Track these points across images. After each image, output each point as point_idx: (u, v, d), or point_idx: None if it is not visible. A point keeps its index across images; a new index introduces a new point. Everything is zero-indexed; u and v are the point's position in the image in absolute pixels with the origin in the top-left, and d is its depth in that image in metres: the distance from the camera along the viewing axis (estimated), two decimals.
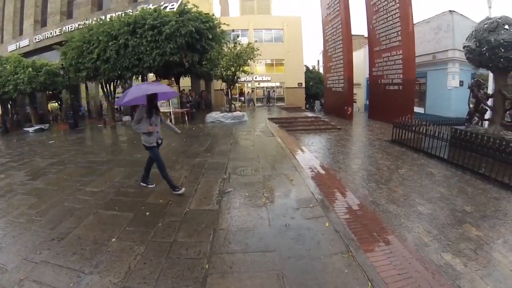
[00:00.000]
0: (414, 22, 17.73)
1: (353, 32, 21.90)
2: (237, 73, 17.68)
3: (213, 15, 19.21)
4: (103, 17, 20.28)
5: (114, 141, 12.40)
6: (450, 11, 19.85)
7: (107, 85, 19.02)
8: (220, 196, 5.58)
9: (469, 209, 6.09)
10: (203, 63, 17.75)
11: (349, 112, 20.56)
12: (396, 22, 17.82)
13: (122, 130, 16.01)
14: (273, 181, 6.19)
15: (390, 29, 18.59)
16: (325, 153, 10.28)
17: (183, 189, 5.69)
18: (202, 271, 3.32)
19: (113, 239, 4.06)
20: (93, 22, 18.07)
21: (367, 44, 22.34)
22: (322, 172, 7.73)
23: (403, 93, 17.63)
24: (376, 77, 20.48)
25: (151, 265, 3.46)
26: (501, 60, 9.49)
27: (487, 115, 11.58)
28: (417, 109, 19.80)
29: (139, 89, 5.11)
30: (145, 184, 6.11)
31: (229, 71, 17.04)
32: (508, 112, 10.86)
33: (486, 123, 11.62)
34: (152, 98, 5.21)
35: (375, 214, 5.50)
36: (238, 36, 20.42)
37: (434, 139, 10.25)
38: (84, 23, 21.76)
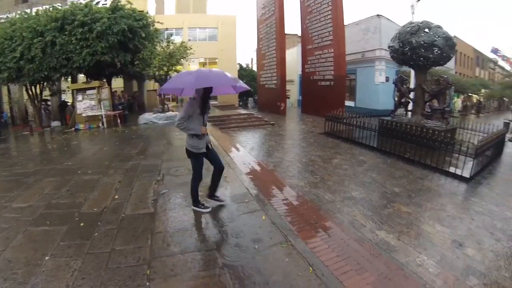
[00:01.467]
0: (345, 24, 19.02)
1: (286, 31, 22.69)
2: (169, 72, 17.15)
3: (147, 12, 18.56)
4: (28, 11, 17.56)
5: (42, 149, 10.92)
6: (377, 15, 21.91)
7: (32, 87, 17.27)
8: (155, 199, 5.45)
9: (398, 190, 6.49)
10: (136, 63, 16.71)
11: (282, 108, 21.17)
12: (328, 23, 18.85)
13: (51, 136, 14.19)
14: (207, 179, 5.93)
15: (322, 29, 19.63)
16: (259, 149, 10.22)
17: (208, 209, 4.76)
18: (144, 277, 3.21)
19: (47, 257, 3.66)
20: (17, 16, 16.19)
21: (300, 43, 23.44)
22: (257, 167, 7.70)
23: (335, 88, 18.74)
24: (308, 73, 21.56)
25: (90, 279, 3.21)
26: (421, 59, 10.79)
27: (410, 106, 12.82)
28: (348, 103, 21.40)
29: (198, 76, 3.66)
30: (218, 198, 5.07)
31: (161, 71, 16.93)
32: (427, 103, 12.13)
33: (409, 114, 12.89)
34: (209, 90, 4.00)
35: (312, 204, 5.53)
36: (171, 35, 19.63)
37: (364, 130, 10.89)
38: (7, 16, 18.83)
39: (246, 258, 3.55)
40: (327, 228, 4.47)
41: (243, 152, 9.33)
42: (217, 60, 33.13)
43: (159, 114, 17.34)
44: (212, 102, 31.92)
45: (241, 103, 33.91)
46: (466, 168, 7.63)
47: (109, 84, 18.56)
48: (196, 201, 4.71)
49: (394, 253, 4.04)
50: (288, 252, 3.67)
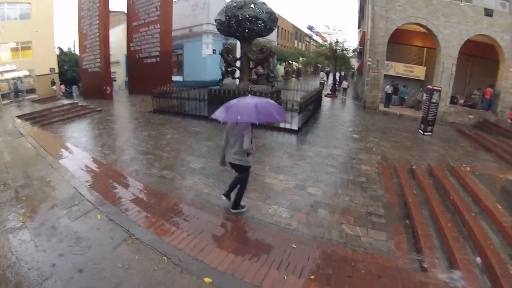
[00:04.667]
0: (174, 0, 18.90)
1: (113, 8, 20.85)
2: None
3: None
4: None
5: None
6: None
7: None
8: None
9: None
10: None
11: (108, 92, 19.07)
12: None
13: None
14: (28, 190, 4.48)
15: (149, 5, 18.82)
16: (87, 140, 8.56)
17: (245, 208, 4.42)
18: None
19: None
20: None
21: (126, 20, 21.69)
22: (86, 161, 6.35)
23: (161, 65, 18.60)
24: (134, 52, 20.51)
25: None
26: (246, 31, 11.77)
27: (237, 74, 13.69)
28: (176, 78, 21.49)
29: (255, 109, 3.70)
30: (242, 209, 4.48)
31: None
32: (253, 70, 13.18)
33: (237, 81, 13.78)
34: None
35: (152, 187, 4.99)
36: None
37: (193, 101, 10.85)
38: None
39: (94, 272, 2.84)
40: (173, 208, 4.12)
41: (69, 147, 7.58)
42: (31, 45, 25.37)
43: None
44: (31, 96, 24.76)
45: (62, 92, 27.72)
46: (294, 122, 8.87)
47: None
48: (236, 204, 4.40)
49: (248, 212, 4.14)
50: (136, 248, 3.15)
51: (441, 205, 4.60)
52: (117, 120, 11.50)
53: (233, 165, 4.26)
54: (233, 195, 4.31)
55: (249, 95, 4.88)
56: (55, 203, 4.35)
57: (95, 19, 20.03)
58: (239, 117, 3.76)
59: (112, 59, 20.85)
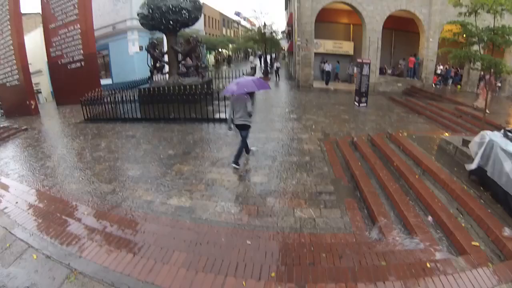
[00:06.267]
0: None
1: (26, 10, 17.83)
2: None
3: None
4: None
5: None
6: None
7: None
8: None
9: (173, 152, 6.37)
10: None
11: (33, 106, 16.77)
12: None
13: None
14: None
15: (66, 2, 16.54)
16: (14, 166, 7.14)
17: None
18: None
19: None
20: None
21: (42, 22, 18.85)
22: (15, 191, 5.21)
23: (87, 69, 16.77)
24: (55, 58, 17.93)
25: None
26: (171, 22, 11.22)
27: (166, 69, 13.11)
28: (105, 81, 20.04)
29: (250, 83, 5.61)
30: (238, 166, 5.53)
31: None
32: (182, 63, 12.73)
33: (167, 76, 13.16)
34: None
35: (91, 206, 4.34)
36: None
37: (125, 104, 10.06)
38: None
39: None
40: (115, 226, 3.61)
41: None
42: None
43: None
44: None
45: None
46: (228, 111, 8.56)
47: None
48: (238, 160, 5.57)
49: (194, 213, 3.83)
50: (81, 284, 2.64)
51: (386, 172, 4.74)
52: (47, 137, 10.12)
53: (240, 126, 5.66)
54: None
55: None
56: None
57: (6, 24, 17.38)
58: (245, 89, 5.46)
59: (32, 68, 18.34)
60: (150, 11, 11.16)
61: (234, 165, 5.44)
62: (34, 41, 22.56)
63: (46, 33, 18.73)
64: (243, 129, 5.67)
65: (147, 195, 4.49)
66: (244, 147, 5.75)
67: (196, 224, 3.58)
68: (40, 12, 20.45)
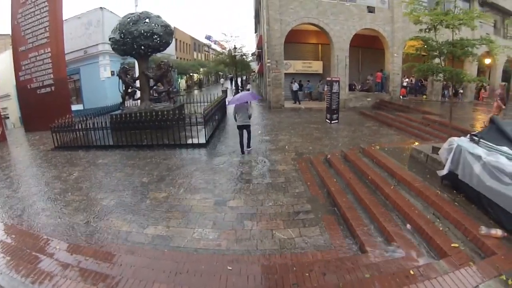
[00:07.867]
0: (65, 18, 16.56)
1: None
2: None
3: None
4: None
5: None
6: (100, 7, 21.01)
7: None
8: None
9: (147, 180, 6.21)
10: None
11: (0, 133, 15.89)
12: (44, 17, 15.46)
13: None
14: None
15: (37, 25, 16.15)
16: None
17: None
18: None
19: None
20: None
21: (12, 45, 18.11)
22: None
23: (57, 94, 16.23)
24: (24, 82, 17.16)
25: None
26: (142, 47, 11.18)
27: (138, 95, 12.99)
28: (76, 107, 19.51)
29: (248, 95, 8.21)
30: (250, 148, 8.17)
31: None
32: (153, 88, 12.88)
33: (138, 102, 13.00)
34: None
35: (64, 241, 4.06)
36: None
37: (96, 131, 9.77)
38: None
39: None
40: (91, 260, 3.37)
41: None
42: None
43: None
44: None
45: None
46: (201, 136, 8.57)
47: None
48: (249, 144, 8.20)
49: (172, 242, 3.72)
50: None
51: (362, 186, 4.84)
52: (14, 166, 9.53)
53: (243, 126, 7.77)
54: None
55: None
56: None
57: None
58: (245, 99, 7.75)
59: None
60: (122, 36, 11.12)
61: (248, 148, 7.96)
62: (4, 64, 21.73)
63: (15, 56, 18.09)
64: (246, 128, 7.88)
65: (122, 225, 4.30)
66: (248, 140, 8.03)
67: (175, 253, 3.45)
68: (10, 33, 19.79)
